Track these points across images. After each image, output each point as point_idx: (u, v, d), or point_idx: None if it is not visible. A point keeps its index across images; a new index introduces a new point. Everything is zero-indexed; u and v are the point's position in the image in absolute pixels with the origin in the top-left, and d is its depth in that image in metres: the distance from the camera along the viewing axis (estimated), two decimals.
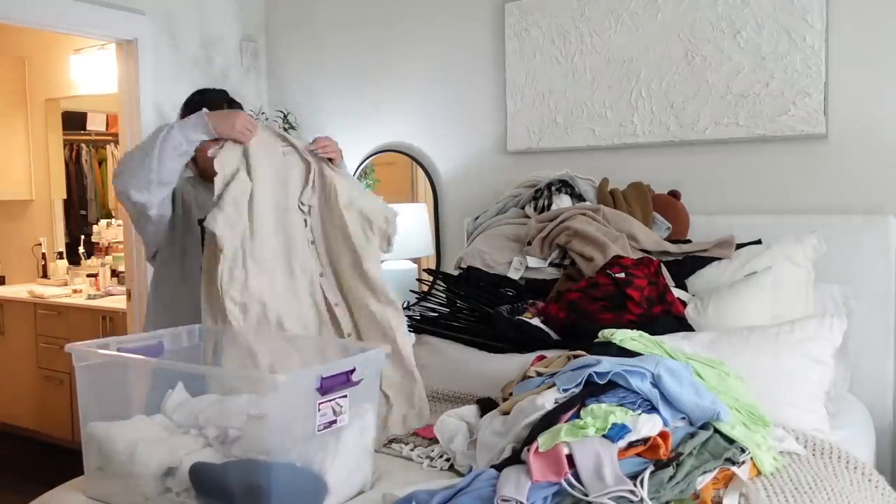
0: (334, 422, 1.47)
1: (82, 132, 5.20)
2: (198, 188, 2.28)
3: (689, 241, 2.57)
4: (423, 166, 3.51)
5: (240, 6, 3.92)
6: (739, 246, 2.46)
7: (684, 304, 2.25)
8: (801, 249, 2.35)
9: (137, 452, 1.51)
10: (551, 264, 2.57)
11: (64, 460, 4.10)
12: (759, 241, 2.49)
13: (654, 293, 2.16)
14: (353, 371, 1.50)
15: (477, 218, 2.99)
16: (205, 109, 1.99)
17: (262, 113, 3.90)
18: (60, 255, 4.97)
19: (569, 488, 1.36)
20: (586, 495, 1.34)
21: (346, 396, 1.49)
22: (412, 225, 3.38)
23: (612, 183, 2.77)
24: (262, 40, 4.03)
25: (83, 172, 5.16)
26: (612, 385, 1.57)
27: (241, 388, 1.58)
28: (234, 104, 2.31)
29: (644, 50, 2.88)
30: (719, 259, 2.42)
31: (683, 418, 1.57)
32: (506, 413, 1.67)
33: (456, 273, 2.66)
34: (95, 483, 1.62)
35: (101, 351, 1.65)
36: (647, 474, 1.38)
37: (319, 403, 1.44)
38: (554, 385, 1.63)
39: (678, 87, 2.82)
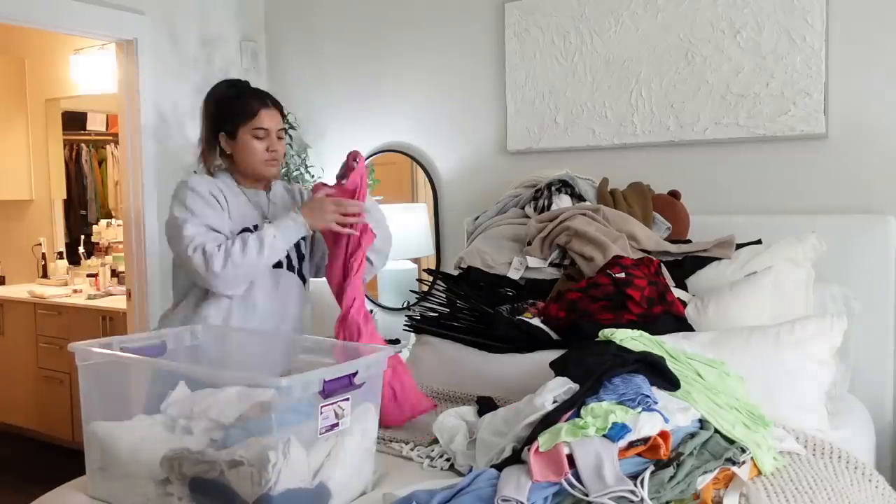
0: (336, 425, 1.46)
1: (82, 132, 5.20)
2: (233, 193, 2.14)
3: (689, 241, 2.57)
4: (423, 166, 3.51)
5: (240, 6, 3.92)
6: (739, 246, 2.46)
7: (684, 304, 2.25)
8: (801, 249, 2.34)
9: (140, 455, 1.51)
10: (551, 264, 2.57)
11: (64, 460, 4.11)
12: (759, 241, 2.49)
13: (654, 293, 2.16)
14: (355, 374, 1.49)
15: (477, 218, 2.99)
16: (294, 210, 2.06)
17: None
18: (60, 255, 4.97)
19: (569, 488, 1.36)
20: (587, 495, 1.34)
21: (348, 399, 1.48)
22: (412, 225, 3.38)
23: (612, 183, 2.77)
24: (262, 40, 4.03)
25: (83, 172, 5.16)
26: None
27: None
28: (266, 96, 2.15)
29: (644, 50, 2.88)
30: (719, 259, 2.42)
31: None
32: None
33: (456, 273, 2.66)
34: (97, 483, 1.62)
35: (103, 350, 1.64)
36: (647, 474, 1.38)
37: (322, 406, 1.42)
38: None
39: (678, 87, 2.82)
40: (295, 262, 2.22)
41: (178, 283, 2.18)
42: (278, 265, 2.15)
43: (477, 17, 3.32)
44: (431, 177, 3.49)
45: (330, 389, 1.43)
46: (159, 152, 3.53)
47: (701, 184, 2.80)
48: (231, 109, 2.09)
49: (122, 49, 3.48)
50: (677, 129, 2.83)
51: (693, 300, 2.28)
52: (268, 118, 2.10)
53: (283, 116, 2.18)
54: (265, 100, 2.13)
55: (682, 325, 2.15)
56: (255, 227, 2.11)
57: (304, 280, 2.28)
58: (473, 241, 2.85)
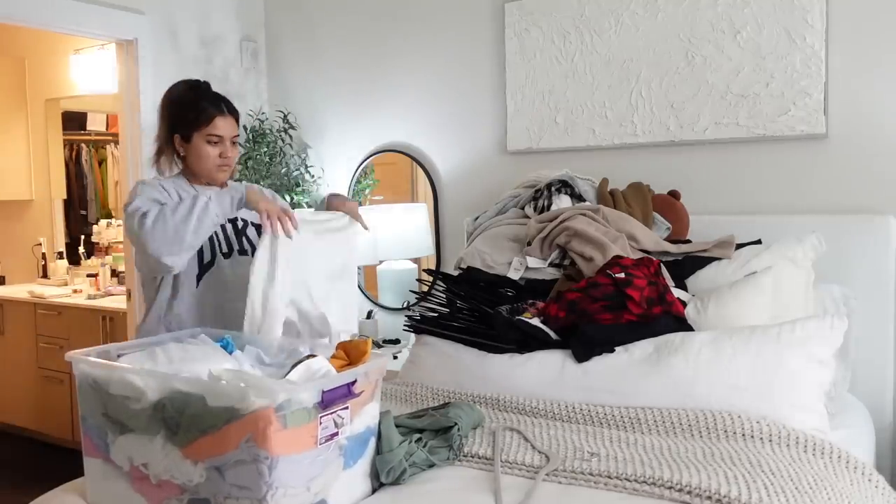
0: (336, 434, 1.45)
1: (82, 132, 5.20)
2: (185, 191, 2.18)
3: (689, 241, 2.57)
4: (423, 166, 3.51)
5: (240, 6, 3.92)
6: (739, 246, 2.46)
7: (684, 304, 2.25)
8: (801, 249, 2.34)
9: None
10: (551, 264, 2.57)
11: (64, 460, 4.10)
12: (759, 241, 2.49)
13: (653, 293, 2.16)
14: (354, 382, 1.48)
15: (477, 218, 2.99)
16: (246, 186, 2.14)
17: (263, 112, 3.90)
18: (60, 255, 4.97)
19: None
20: None
21: (347, 408, 1.47)
22: (412, 225, 3.38)
23: (612, 183, 2.77)
24: (262, 40, 4.03)
25: (83, 172, 5.16)
26: None
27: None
28: (223, 103, 2.20)
29: (644, 50, 2.88)
30: (719, 259, 2.41)
31: None
32: None
33: (456, 273, 2.66)
34: (95, 487, 1.61)
35: (100, 360, 1.60)
36: None
37: (321, 417, 1.41)
38: None
39: (678, 87, 2.82)
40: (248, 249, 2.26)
41: (147, 290, 2.19)
42: (243, 253, 2.21)
43: (477, 17, 3.31)
44: (431, 177, 3.49)
45: (328, 399, 1.42)
46: None
47: (701, 184, 2.80)
48: (187, 113, 2.15)
49: (122, 49, 3.48)
50: (677, 129, 2.83)
51: (693, 300, 2.27)
52: (223, 125, 2.14)
53: (239, 123, 2.24)
54: (221, 106, 2.17)
55: (682, 325, 2.15)
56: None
57: None
58: (473, 242, 2.85)
